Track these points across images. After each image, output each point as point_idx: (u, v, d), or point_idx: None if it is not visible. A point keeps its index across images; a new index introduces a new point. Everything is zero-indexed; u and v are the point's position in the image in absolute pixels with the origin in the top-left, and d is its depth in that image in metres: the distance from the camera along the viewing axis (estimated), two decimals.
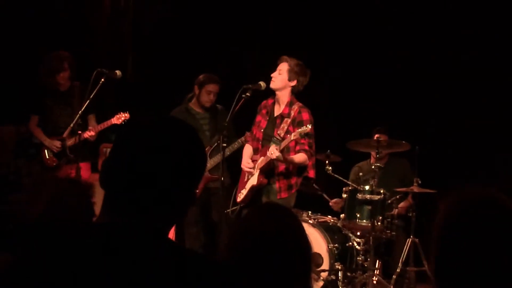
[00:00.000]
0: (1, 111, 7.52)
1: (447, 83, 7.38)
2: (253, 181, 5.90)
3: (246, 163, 6.01)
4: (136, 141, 1.65)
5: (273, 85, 5.88)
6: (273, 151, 5.66)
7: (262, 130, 6.02)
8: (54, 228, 2.24)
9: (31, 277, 1.56)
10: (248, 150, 6.16)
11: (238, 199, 6.00)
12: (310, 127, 5.56)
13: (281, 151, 5.65)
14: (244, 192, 5.96)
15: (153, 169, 1.62)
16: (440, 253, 1.84)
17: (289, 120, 5.76)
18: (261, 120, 6.07)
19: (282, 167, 5.84)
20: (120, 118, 6.51)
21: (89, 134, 6.50)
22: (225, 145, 5.79)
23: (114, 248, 1.56)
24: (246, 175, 6.02)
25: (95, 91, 6.16)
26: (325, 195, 6.89)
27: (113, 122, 6.52)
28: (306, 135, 5.69)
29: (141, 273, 1.54)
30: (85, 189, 2.47)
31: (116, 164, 1.66)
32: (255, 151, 6.06)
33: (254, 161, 5.99)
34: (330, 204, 6.84)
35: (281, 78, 5.87)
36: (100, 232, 1.61)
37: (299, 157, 5.77)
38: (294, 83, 5.87)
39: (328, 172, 6.50)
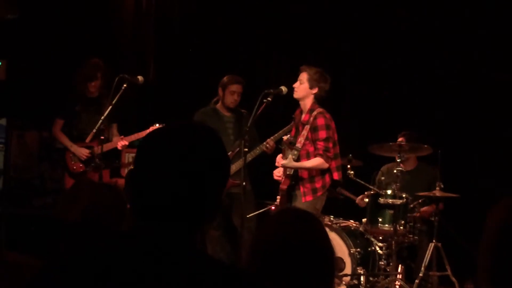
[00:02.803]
0: (24, 116, 7.58)
1: (472, 87, 7.33)
2: (280, 188, 6.04)
3: (276, 171, 6.16)
4: (160, 150, 1.64)
5: (295, 95, 6.01)
6: (277, 160, 5.92)
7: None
8: (81, 237, 2.27)
9: (57, 284, 1.58)
10: None
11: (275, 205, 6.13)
12: (288, 137, 5.88)
13: (285, 157, 5.86)
14: (278, 197, 6.07)
15: (178, 177, 1.62)
16: (496, 261, 1.79)
17: (308, 127, 5.84)
18: (293, 130, 6.22)
19: (303, 172, 5.96)
20: None
21: (122, 144, 6.55)
22: (246, 149, 5.85)
23: (142, 257, 1.57)
24: None
25: (117, 97, 6.20)
26: (349, 195, 6.84)
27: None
28: (324, 140, 5.86)
29: (166, 280, 1.55)
30: (121, 193, 2.48)
31: (140, 175, 1.65)
32: None
33: None
34: (357, 201, 6.80)
35: (303, 87, 5.98)
36: (126, 242, 1.62)
37: (313, 162, 5.90)
38: (315, 90, 5.97)
39: (350, 176, 6.50)
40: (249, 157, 6.21)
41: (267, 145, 6.41)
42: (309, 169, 5.93)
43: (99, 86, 6.63)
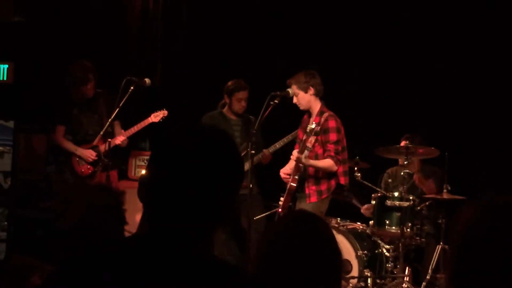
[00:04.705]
0: (32, 119, 7.59)
1: (479, 88, 7.31)
2: (288, 186, 6.05)
3: (283, 170, 6.18)
4: (175, 154, 1.64)
5: (301, 107, 6.09)
6: (293, 153, 5.91)
7: (300, 143, 6.20)
8: (86, 239, 2.26)
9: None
10: (292, 162, 6.27)
11: (279, 208, 6.11)
12: (315, 124, 5.77)
13: (301, 152, 5.84)
14: (282, 198, 6.08)
15: (194, 181, 1.62)
16: (459, 261, 1.78)
17: (319, 128, 5.86)
18: (300, 133, 6.26)
19: (311, 173, 6.01)
20: (158, 116, 6.49)
21: (120, 139, 6.49)
22: (253, 152, 5.86)
23: (154, 262, 1.57)
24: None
25: (124, 99, 6.18)
26: (355, 202, 6.88)
27: (150, 121, 6.50)
28: (334, 143, 5.90)
29: (177, 286, 1.56)
30: (117, 196, 2.47)
31: (156, 179, 1.65)
32: None
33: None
34: (362, 211, 6.82)
35: (301, 97, 6.03)
36: (141, 245, 1.62)
37: (324, 162, 5.94)
38: (312, 91, 6.02)
39: (357, 178, 6.50)
40: (255, 159, 6.21)
41: (263, 155, 6.46)
42: (319, 169, 5.95)
43: (93, 87, 6.59)
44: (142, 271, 1.56)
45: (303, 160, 5.86)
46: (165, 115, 6.50)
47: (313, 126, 5.80)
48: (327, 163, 5.92)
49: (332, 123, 5.93)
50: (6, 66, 7.44)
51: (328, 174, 5.99)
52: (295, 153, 5.93)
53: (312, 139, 5.84)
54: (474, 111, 7.31)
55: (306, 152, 5.86)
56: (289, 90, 6.03)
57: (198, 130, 1.71)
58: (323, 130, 5.89)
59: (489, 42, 7.31)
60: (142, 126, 6.53)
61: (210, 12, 8.36)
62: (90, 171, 6.59)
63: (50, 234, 2.41)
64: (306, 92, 6.00)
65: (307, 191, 6.01)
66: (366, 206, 6.75)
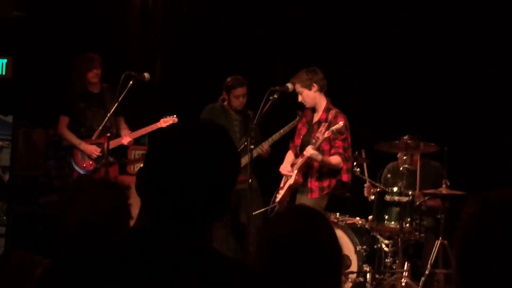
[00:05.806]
0: (31, 114, 7.59)
1: (479, 84, 7.32)
2: (291, 180, 6.09)
3: (284, 166, 6.22)
4: (172, 148, 1.65)
5: (308, 105, 6.14)
6: (308, 149, 5.91)
7: (301, 137, 6.23)
8: (91, 235, 2.26)
9: (65, 284, 1.58)
10: (289, 156, 6.35)
11: (277, 200, 6.17)
12: (342, 124, 5.77)
13: (317, 149, 5.87)
14: (282, 192, 6.14)
15: (192, 176, 1.62)
16: (464, 255, 1.76)
17: (326, 124, 5.90)
18: (302, 128, 6.29)
19: (315, 169, 6.05)
20: (168, 122, 6.46)
21: (127, 141, 6.55)
22: (252, 147, 5.86)
23: (153, 256, 1.58)
24: (284, 178, 6.24)
25: (123, 94, 6.18)
26: (365, 177, 6.77)
27: (159, 126, 6.48)
28: (342, 140, 5.96)
29: (177, 280, 1.56)
30: (122, 191, 2.46)
31: (153, 173, 1.65)
32: (295, 156, 6.27)
33: (293, 165, 6.19)
34: (365, 186, 6.75)
35: (305, 95, 6.05)
36: (139, 239, 1.63)
37: (334, 159, 5.99)
38: (315, 87, 6.04)
39: (356, 173, 6.50)
40: (254, 153, 6.20)
41: (262, 149, 6.46)
42: (327, 165, 5.99)
43: (99, 76, 6.56)
44: (144, 266, 1.56)
45: (315, 156, 5.88)
46: (175, 122, 6.46)
47: (341, 124, 5.78)
48: (336, 160, 5.97)
49: (341, 120, 5.94)
50: (5, 60, 7.44)
51: (332, 171, 6.04)
52: (309, 149, 5.92)
53: (319, 135, 5.85)
54: (474, 107, 7.32)
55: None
56: (288, 84, 6.04)
57: (196, 125, 1.71)
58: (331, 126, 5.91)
59: (488, 41, 7.32)
60: (150, 130, 6.53)
61: (210, 11, 8.35)
62: (92, 167, 6.56)
63: (54, 231, 2.41)
64: (310, 89, 6.02)
65: (309, 185, 6.06)
66: (367, 185, 6.67)
